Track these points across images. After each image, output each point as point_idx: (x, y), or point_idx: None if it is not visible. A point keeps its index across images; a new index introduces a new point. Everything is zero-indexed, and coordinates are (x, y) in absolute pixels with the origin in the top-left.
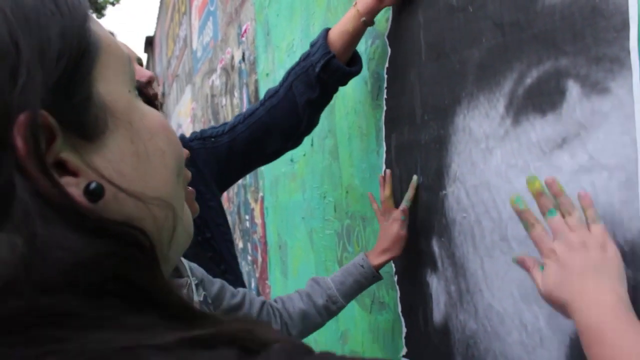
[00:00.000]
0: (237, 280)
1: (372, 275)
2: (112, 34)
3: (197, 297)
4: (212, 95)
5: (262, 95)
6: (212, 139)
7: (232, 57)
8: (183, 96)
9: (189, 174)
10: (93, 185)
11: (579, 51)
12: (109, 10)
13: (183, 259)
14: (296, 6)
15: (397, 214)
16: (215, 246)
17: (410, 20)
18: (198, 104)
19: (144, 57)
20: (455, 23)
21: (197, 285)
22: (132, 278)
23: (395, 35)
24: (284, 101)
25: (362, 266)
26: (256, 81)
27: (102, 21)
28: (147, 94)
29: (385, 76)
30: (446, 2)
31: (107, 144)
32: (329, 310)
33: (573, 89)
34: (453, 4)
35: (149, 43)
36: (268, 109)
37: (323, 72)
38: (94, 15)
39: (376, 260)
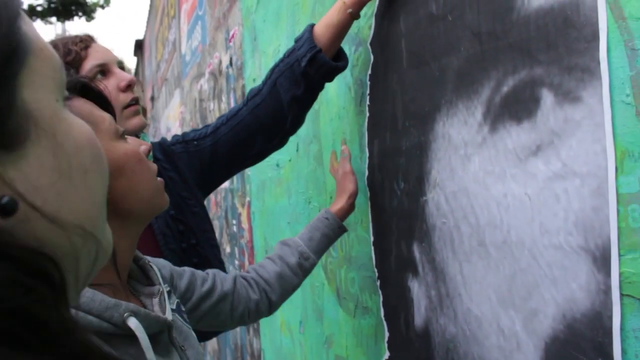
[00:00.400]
0: None
1: (338, 227)
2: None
3: (170, 306)
4: (201, 100)
5: None
6: (195, 142)
7: (220, 62)
8: (172, 100)
9: (154, 165)
10: (5, 199)
11: (552, 60)
12: (99, 13)
13: (152, 261)
14: (282, 12)
15: (342, 159)
16: (201, 252)
17: (393, 28)
18: (187, 107)
19: (133, 60)
20: (435, 31)
21: (169, 292)
22: (31, 314)
23: (377, 42)
24: (268, 99)
25: (326, 219)
26: (243, 86)
27: (92, 24)
28: (124, 99)
29: (368, 83)
30: (427, 11)
31: (26, 155)
32: (303, 268)
33: (547, 97)
34: (433, 12)
35: (139, 46)
36: (251, 109)
37: (309, 67)
38: (84, 19)
39: (337, 207)
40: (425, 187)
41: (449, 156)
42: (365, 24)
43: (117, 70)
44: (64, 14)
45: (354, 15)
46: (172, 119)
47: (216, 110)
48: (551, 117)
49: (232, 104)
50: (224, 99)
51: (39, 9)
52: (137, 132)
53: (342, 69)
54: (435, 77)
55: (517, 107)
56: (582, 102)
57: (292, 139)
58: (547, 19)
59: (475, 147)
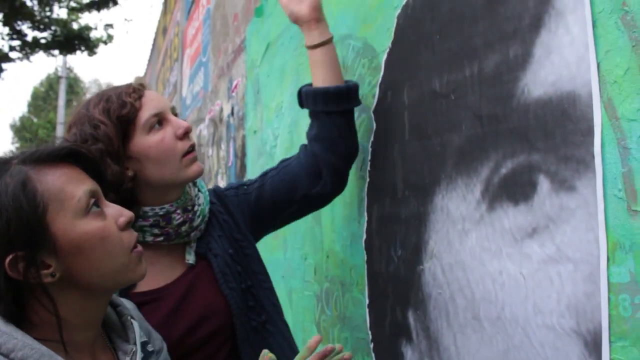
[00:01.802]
0: (278, 332)
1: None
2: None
3: None
4: (199, 145)
5: (248, 150)
6: (245, 187)
7: (221, 110)
8: None
9: (129, 236)
10: None
11: (549, 149)
12: (101, 48)
13: (133, 321)
14: (287, 70)
15: None
16: (255, 294)
17: (396, 99)
18: None
19: None
20: (437, 108)
21: (148, 352)
22: None
23: (380, 112)
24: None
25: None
26: (244, 137)
27: (94, 59)
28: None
29: (370, 149)
30: (430, 87)
31: None
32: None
33: (544, 183)
34: (436, 90)
35: None
36: (297, 154)
37: (305, 103)
38: (86, 54)
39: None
40: (422, 256)
41: (446, 229)
42: (369, 92)
43: (172, 117)
44: (67, 48)
45: (313, 45)
46: None
47: (214, 157)
48: (547, 202)
49: (232, 153)
50: (223, 146)
51: (42, 41)
52: (195, 179)
53: (335, 90)
54: (436, 151)
55: (514, 190)
56: (577, 191)
57: None
58: (546, 110)
59: (473, 223)
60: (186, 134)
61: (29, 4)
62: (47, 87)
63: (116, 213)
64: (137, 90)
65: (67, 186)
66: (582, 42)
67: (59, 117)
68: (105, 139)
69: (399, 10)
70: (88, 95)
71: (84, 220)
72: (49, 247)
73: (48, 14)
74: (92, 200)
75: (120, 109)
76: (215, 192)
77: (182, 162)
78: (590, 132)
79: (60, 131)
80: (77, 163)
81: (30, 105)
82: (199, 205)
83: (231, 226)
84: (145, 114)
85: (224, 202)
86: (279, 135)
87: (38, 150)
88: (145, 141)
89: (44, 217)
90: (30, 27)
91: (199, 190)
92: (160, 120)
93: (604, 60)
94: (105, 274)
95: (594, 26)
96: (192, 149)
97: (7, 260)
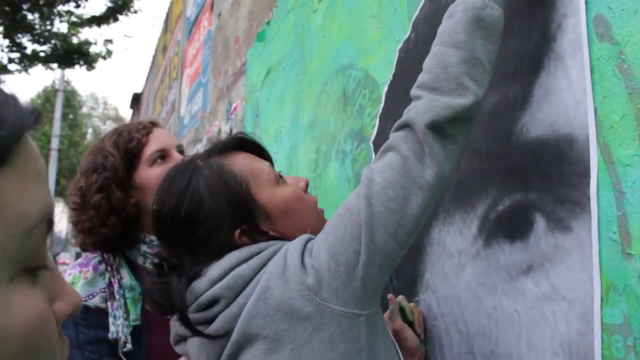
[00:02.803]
0: None
1: None
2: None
3: None
4: None
5: None
6: None
7: (220, 131)
8: None
9: (312, 198)
10: None
11: (546, 189)
12: (100, 63)
13: None
14: (287, 95)
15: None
16: None
17: None
18: None
19: (129, 112)
20: None
21: None
22: None
23: (380, 143)
24: None
25: None
26: None
27: (92, 73)
28: None
29: None
30: None
31: None
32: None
33: (540, 222)
34: None
35: (136, 100)
36: None
37: None
38: (84, 68)
39: None
40: (417, 287)
41: (442, 262)
42: (370, 123)
43: (175, 154)
44: (66, 62)
45: None
46: None
47: None
48: (543, 241)
49: None
50: None
51: (42, 54)
52: None
53: None
54: None
55: (510, 227)
56: (573, 232)
57: None
58: (544, 150)
59: (469, 258)
60: None
61: (30, 17)
62: (44, 99)
63: (294, 180)
64: (146, 127)
65: (254, 163)
66: (580, 87)
67: (55, 130)
68: (112, 168)
69: (400, 44)
70: (84, 109)
71: (278, 188)
72: (262, 216)
73: (49, 27)
74: (278, 172)
75: (128, 143)
76: None
77: None
78: (586, 174)
79: (55, 144)
80: (245, 149)
81: None
82: None
83: None
84: (150, 149)
85: None
86: (277, 160)
87: (216, 144)
88: (147, 173)
89: (249, 191)
90: (30, 40)
91: None
92: (163, 155)
93: (601, 106)
94: (307, 229)
95: (592, 72)
96: None
97: (236, 234)
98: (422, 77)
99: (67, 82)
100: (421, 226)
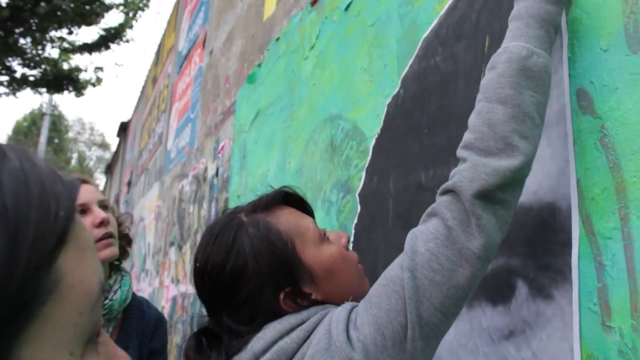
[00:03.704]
0: None
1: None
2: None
3: None
4: (180, 200)
5: None
6: None
7: (206, 169)
8: (150, 191)
9: (354, 255)
10: None
11: (529, 255)
12: (89, 90)
13: None
14: (275, 140)
15: None
16: None
17: (382, 185)
18: (164, 203)
19: (115, 140)
20: (422, 201)
21: None
22: None
23: (366, 195)
24: None
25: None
26: (227, 199)
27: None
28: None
29: (353, 231)
30: (416, 179)
31: None
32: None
33: (522, 288)
34: (422, 182)
35: (123, 129)
36: None
37: None
38: (73, 94)
39: None
40: None
41: None
42: (356, 175)
43: (95, 209)
44: (55, 87)
45: None
46: (147, 209)
47: (195, 214)
48: (525, 307)
49: (213, 213)
50: (204, 205)
51: (31, 78)
52: (104, 261)
53: None
54: None
55: (493, 291)
56: (554, 300)
57: None
58: (527, 217)
59: None
60: (102, 224)
61: (22, 41)
62: (30, 122)
63: (336, 236)
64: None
65: (300, 221)
66: (563, 157)
67: (39, 154)
68: None
69: (389, 99)
70: (70, 134)
71: (323, 246)
72: (307, 277)
73: (40, 52)
74: (322, 229)
75: None
76: (160, 316)
77: (96, 245)
78: (568, 244)
79: None
80: (289, 203)
81: (10, 139)
82: (110, 300)
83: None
84: None
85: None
86: None
87: (261, 198)
88: None
89: (295, 251)
90: (20, 64)
91: (119, 288)
92: (84, 210)
93: (583, 177)
94: (350, 290)
95: (574, 143)
96: (107, 236)
97: (281, 298)
98: (467, 137)
99: (55, 106)
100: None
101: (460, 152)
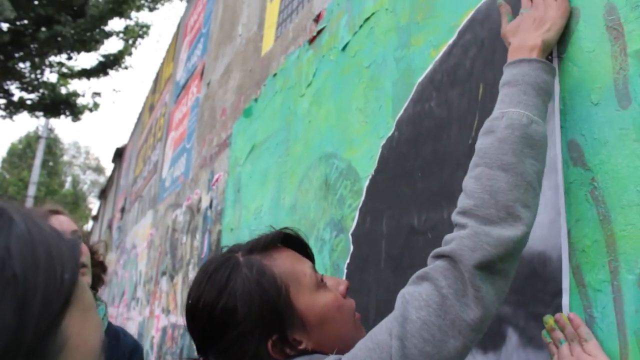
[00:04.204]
0: None
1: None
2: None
3: None
4: (174, 229)
5: (223, 247)
6: None
7: (200, 200)
8: (143, 219)
9: (351, 303)
10: None
11: (519, 304)
12: (85, 115)
13: None
14: (270, 175)
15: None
16: None
17: (375, 226)
18: (157, 231)
19: (110, 165)
20: (414, 244)
21: None
22: None
23: (359, 235)
24: None
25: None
26: (220, 232)
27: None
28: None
29: (345, 271)
30: (409, 222)
31: None
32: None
33: (512, 336)
34: (414, 225)
35: (118, 154)
36: None
37: None
38: (70, 119)
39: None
40: None
41: None
42: (349, 215)
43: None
44: (52, 111)
45: None
46: (140, 237)
47: (188, 245)
48: (515, 356)
49: (206, 245)
50: (197, 236)
51: (28, 102)
52: None
53: None
54: None
55: (484, 338)
56: (544, 350)
57: None
58: (518, 265)
59: None
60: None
61: (21, 65)
62: (25, 144)
63: (335, 282)
64: (50, 212)
65: (296, 265)
66: (554, 207)
67: (33, 177)
68: None
69: (384, 141)
70: (65, 157)
71: (318, 293)
72: (298, 325)
73: (38, 76)
74: (320, 275)
75: None
76: (136, 345)
77: None
78: (558, 293)
79: (32, 190)
80: (287, 245)
81: (5, 161)
82: None
83: None
84: None
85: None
86: None
87: (260, 239)
88: None
89: (288, 297)
90: (18, 88)
91: None
92: None
93: (574, 228)
94: (344, 339)
95: (565, 194)
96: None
97: (269, 344)
98: (465, 203)
99: (51, 130)
100: None
101: (457, 218)
